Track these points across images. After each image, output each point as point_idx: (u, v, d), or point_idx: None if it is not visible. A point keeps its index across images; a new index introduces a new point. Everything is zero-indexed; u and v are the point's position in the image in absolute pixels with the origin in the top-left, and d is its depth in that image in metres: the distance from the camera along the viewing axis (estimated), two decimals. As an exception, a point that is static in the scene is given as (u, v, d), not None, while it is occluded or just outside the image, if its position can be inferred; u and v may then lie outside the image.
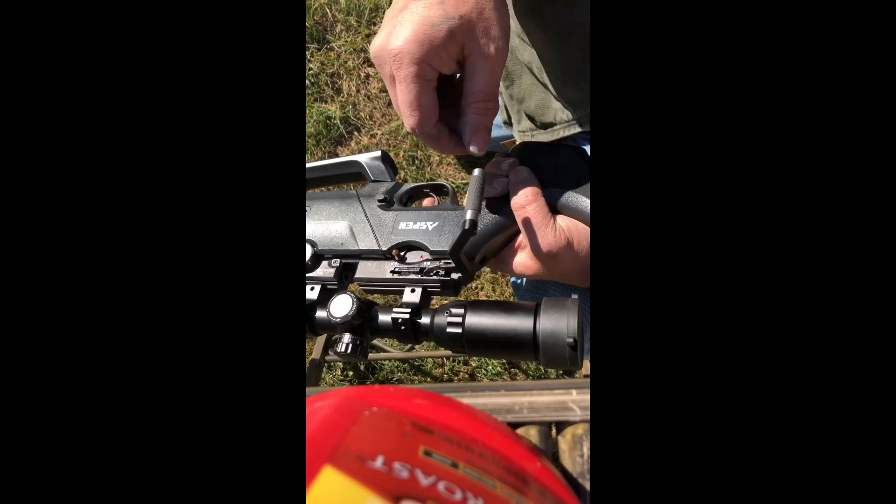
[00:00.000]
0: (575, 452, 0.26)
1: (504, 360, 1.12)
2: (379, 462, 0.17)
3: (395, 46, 0.30)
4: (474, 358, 1.13)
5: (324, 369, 1.14)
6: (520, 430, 0.28)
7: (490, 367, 1.14)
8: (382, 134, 1.28)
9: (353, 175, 0.44)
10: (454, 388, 0.30)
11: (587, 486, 0.25)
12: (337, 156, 1.28)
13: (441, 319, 0.32)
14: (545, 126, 0.58)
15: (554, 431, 0.29)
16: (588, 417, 0.28)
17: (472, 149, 0.32)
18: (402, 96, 0.31)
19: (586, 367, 0.85)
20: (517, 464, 0.22)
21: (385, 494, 0.15)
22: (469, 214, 0.31)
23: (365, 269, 0.38)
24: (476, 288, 1.19)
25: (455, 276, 0.35)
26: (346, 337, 0.34)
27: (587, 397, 0.29)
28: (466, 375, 1.15)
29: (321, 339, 0.97)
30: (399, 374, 1.16)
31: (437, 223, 0.37)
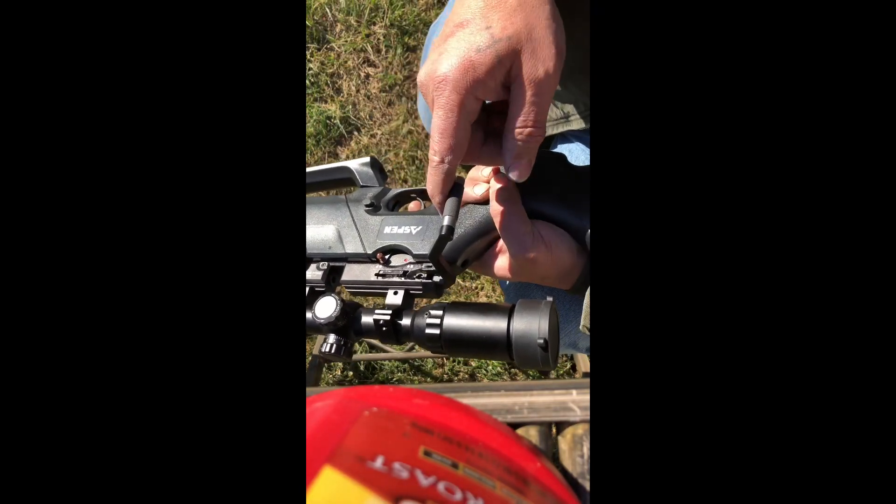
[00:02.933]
0: (575, 452, 0.26)
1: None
2: (379, 462, 0.17)
3: (440, 73, 0.29)
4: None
5: (324, 369, 1.14)
6: (520, 430, 0.28)
7: (490, 368, 1.14)
8: (382, 134, 1.28)
9: (343, 180, 0.45)
10: (454, 388, 0.30)
11: (587, 486, 0.25)
12: (337, 156, 1.28)
13: (420, 321, 0.33)
14: None
15: (554, 431, 0.29)
16: (588, 417, 0.28)
17: (513, 174, 0.31)
18: (438, 122, 0.30)
19: (586, 366, 0.85)
20: (517, 464, 0.22)
21: (385, 494, 0.15)
22: (446, 220, 0.32)
23: (351, 272, 0.39)
24: (476, 288, 1.20)
25: (437, 278, 0.36)
26: (331, 338, 0.35)
27: (587, 397, 0.29)
28: (466, 375, 1.15)
29: (321, 339, 0.97)
30: (399, 374, 1.16)
31: (420, 227, 0.38)
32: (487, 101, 0.31)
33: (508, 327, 0.30)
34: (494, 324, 0.30)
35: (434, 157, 0.31)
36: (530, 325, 0.29)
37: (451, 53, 0.28)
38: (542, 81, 0.29)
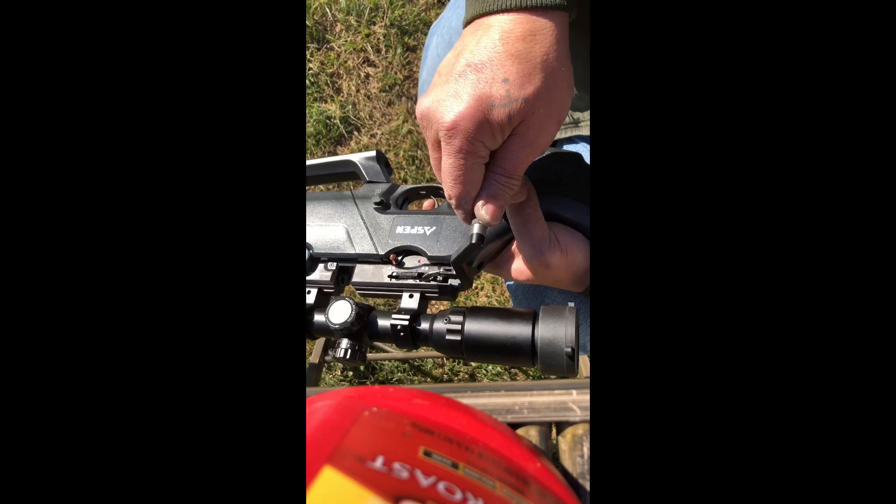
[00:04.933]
0: (575, 452, 0.26)
1: (504, 360, 1.12)
2: (379, 462, 0.17)
3: (449, 119, 0.27)
4: (474, 358, 1.13)
5: (324, 370, 1.14)
6: (520, 430, 0.28)
7: (490, 368, 1.14)
8: (382, 134, 1.28)
9: (347, 174, 0.44)
10: (454, 388, 0.30)
11: (587, 486, 0.25)
12: (336, 156, 1.28)
13: (440, 326, 0.32)
14: None
15: (554, 431, 0.29)
16: (588, 417, 0.28)
17: (483, 212, 0.30)
18: (449, 169, 0.29)
19: (586, 367, 0.86)
20: (517, 464, 0.22)
21: (385, 495, 0.15)
22: (476, 228, 0.31)
23: (362, 273, 0.38)
24: (476, 288, 1.19)
25: (453, 282, 0.35)
26: (345, 342, 0.34)
27: (587, 397, 0.29)
28: (466, 375, 1.15)
29: (321, 339, 0.97)
30: (399, 374, 1.16)
31: (434, 227, 0.37)
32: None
33: (533, 334, 0.30)
34: (519, 330, 0.30)
35: (451, 201, 0.31)
36: (556, 331, 0.29)
37: (464, 99, 0.27)
38: (539, 145, 0.29)
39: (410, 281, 0.36)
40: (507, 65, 0.27)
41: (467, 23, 0.30)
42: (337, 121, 1.27)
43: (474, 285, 1.19)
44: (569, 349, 0.28)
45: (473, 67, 0.28)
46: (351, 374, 1.17)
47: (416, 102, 1.30)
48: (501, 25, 0.28)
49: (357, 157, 0.43)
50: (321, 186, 1.15)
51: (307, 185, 0.47)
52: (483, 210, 0.30)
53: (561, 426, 0.28)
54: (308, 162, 0.45)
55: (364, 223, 0.39)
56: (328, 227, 0.39)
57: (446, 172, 0.30)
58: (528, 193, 0.35)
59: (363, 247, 0.38)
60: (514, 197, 0.33)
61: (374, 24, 1.30)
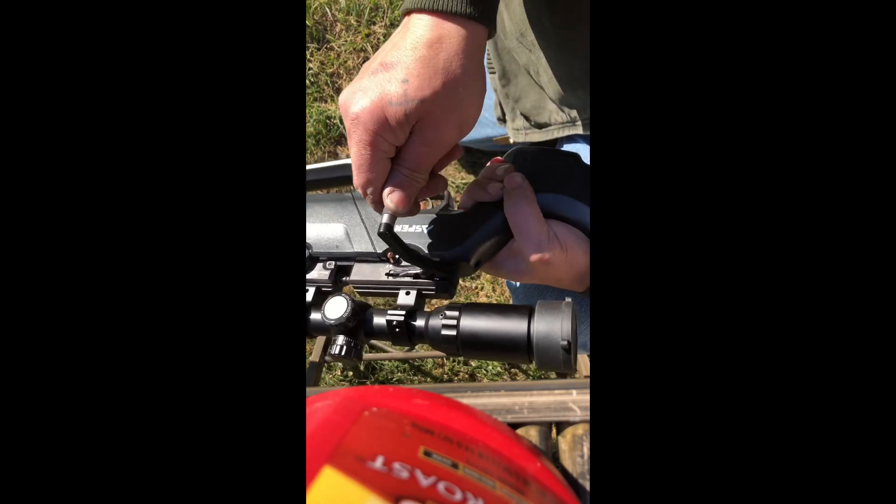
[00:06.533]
0: (575, 452, 0.26)
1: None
2: (379, 462, 0.17)
3: (353, 111, 0.30)
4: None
5: (323, 369, 1.14)
6: (520, 430, 0.28)
7: (490, 367, 1.14)
8: (382, 134, 1.27)
9: (348, 178, 0.45)
10: (454, 388, 0.30)
11: (587, 486, 0.25)
12: (337, 155, 1.28)
13: (436, 322, 0.32)
14: (540, 126, 0.58)
15: (554, 431, 0.29)
16: (588, 417, 0.28)
17: (388, 201, 0.32)
18: (354, 158, 0.32)
19: (586, 367, 0.85)
20: (517, 464, 0.22)
21: (385, 495, 0.15)
22: (385, 218, 0.32)
23: (360, 272, 0.38)
24: (476, 288, 1.19)
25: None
26: (341, 339, 0.34)
27: (587, 397, 0.29)
28: (466, 375, 1.15)
29: (321, 339, 0.97)
30: (399, 374, 1.16)
31: (432, 227, 0.37)
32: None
33: (529, 329, 0.30)
34: (515, 325, 0.30)
35: (358, 189, 0.33)
36: (552, 326, 0.29)
37: (367, 95, 0.30)
38: (438, 144, 0.31)
39: (407, 279, 0.36)
40: (411, 67, 0.29)
41: (401, 15, 0.33)
42: (337, 121, 1.27)
43: (474, 285, 1.19)
44: (564, 343, 0.28)
45: (384, 66, 0.30)
46: (351, 373, 1.17)
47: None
48: (415, 31, 0.30)
49: None
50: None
51: (308, 189, 0.47)
52: (389, 198, 0.32)
53: (561, 426, 0.28)
54: (308, 167, 0.45)
55: (363, 222, 0.39)
56: (327, 227, 0.40)
57: (353, 161, 0.32)
58: (525, 191, 0.35)
59: (361, 245, 0.38)
60: (425, 192, 0.35)
61: (374, 24, 1.30)
